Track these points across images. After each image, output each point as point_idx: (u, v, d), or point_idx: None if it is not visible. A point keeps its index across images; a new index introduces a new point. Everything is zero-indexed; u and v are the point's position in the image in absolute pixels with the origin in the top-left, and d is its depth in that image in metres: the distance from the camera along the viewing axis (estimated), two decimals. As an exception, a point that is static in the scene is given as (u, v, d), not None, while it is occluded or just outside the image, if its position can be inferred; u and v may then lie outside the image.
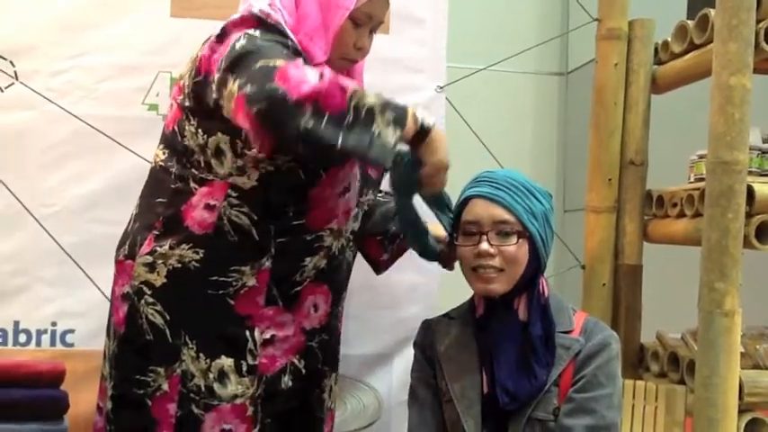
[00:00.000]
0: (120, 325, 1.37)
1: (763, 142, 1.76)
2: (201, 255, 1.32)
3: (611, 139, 1.89)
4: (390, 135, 1.18)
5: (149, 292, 1.34)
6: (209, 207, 1.32)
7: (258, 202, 1.32)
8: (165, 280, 1.33)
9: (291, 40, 1.30)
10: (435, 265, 1.84)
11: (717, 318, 1.51)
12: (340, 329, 1.51)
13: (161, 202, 1.37)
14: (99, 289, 1.72)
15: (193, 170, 1.34)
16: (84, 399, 1.66)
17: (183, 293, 1.33)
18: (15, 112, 1.70)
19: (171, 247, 1.33)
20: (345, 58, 1.38)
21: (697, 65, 1.76)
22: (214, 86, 1.26)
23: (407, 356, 1.53)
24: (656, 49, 1.92)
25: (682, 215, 1.77)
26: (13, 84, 1.70)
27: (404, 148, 1.22)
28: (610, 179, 1.89)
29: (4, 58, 1.70)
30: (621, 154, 1.90)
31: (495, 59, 2.12)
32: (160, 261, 1.33)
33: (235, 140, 1.29)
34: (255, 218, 1.32)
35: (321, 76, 1.18)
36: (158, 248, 1.34)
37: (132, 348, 1.35)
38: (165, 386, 1.33)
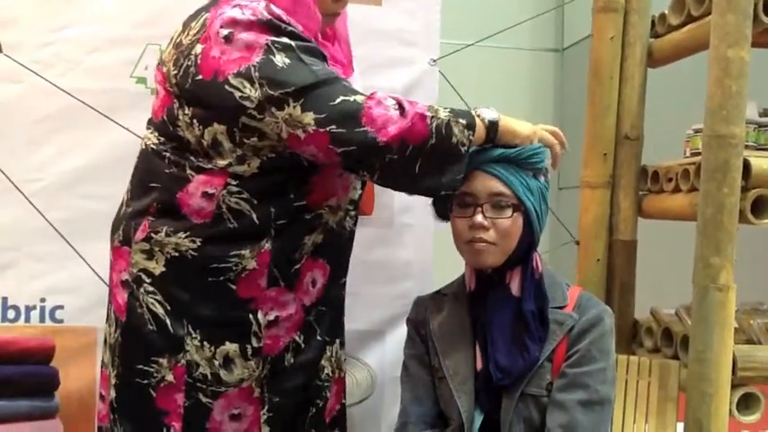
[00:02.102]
0: (121, 313, 1.35)
1: (760, 116, 1.75)
2: (199, 243, 1.29)
3: (607, 114, 1.87)
4: (466, 139, 1.26)
5: (148, 281, 1.31)
6: (207, 195, 1.29)
7: (259, 188, 1.29)
8: (163, 269, 1.30)
9: (309, 40, 1.29)
10: (430, 241, 1.83)
11: (711, 292, 1.51)
12: (343, 299, 1.49)
13: (154, 186, 1.33)
14: (88, 265, 1.71)
15: (191, 157, 1.30)
16: (75, 375, 1.66)
17: (182, 283, 1.30)
18: (0, 85, 1.67)
19: (167, 234, 1.30)
20: (326, 14, 1.36)
21: (694, 37, 1.73)
22: (242, 98, 1.23)
23: (401, 332, 1.52)
24: (652, 22, 1.89)
25: (677, 190, 1.76)
26: (-3, 56, 1.68)
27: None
28: (605, 154, 1.87)
29: (-12, 30, 1.67)
30: (617, 129, 1.88)
31: (490, 37, 2.10)
32: (157, 248, 1.31)
33: (232, 129, 1.26)
34: (255, 202, 1.30)
35: (400, 106, 1.24)
36: (154, 235, 1.31)
37: (134, 337, 1.33)
38: (170, 377, 1.31)
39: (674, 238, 2.08)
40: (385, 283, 1.82)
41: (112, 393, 1.36)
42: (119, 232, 1.37)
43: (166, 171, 1.31)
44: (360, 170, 1.27)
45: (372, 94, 1.25)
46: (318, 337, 1.41)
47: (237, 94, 1.23)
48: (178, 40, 1.32)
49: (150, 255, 1.31)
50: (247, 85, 1.22)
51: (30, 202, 1.69)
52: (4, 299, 1.69)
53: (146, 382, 1.32)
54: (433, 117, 1.25)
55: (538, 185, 1.33)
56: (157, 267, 1.30)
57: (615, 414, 1.61)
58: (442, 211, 1.39)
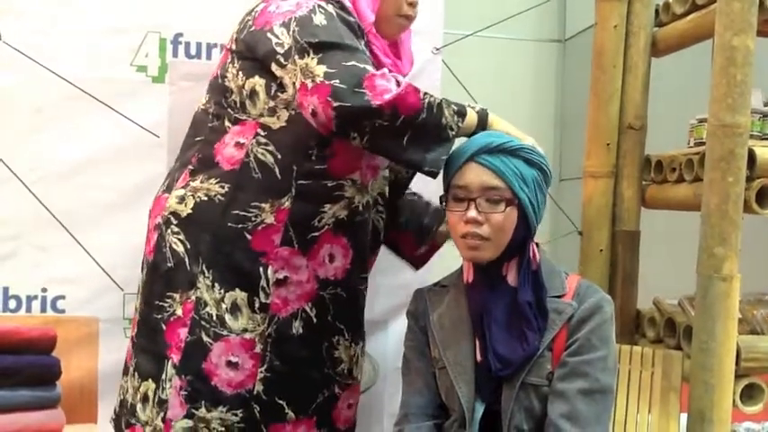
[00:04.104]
0: (150, 254, 1.44)
1: (765, 105, 1.73)
2: (227, 189, 1.38)
3: (610, 104, 1.86)
4: (454, 124, 1.34)
5: (175, 222, 1.41)
6: (238, 144, 1.39)
7: (284, 143, 1.38)
8: (190, 211, 1.39)
9: (353, 15, 1.39)
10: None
11: (715, 282, 1.50)
12: (363, 297, 1.52)
13: (199, 140, 1.45)
14: (90, 254, 1.71)
15: (229, 110, 1.41)
16: (76, 365, 1.66)
17: (205, 224, 1.39)
18: (0, 73, 1.66)
19: (202, 181, 1.40)
20: (401, 15, 1.47)
21: (699, 26, 1.72)
22: (276, 44, 1.35)
23: (403, 322, 1.52)
24: (656, 11, 1.88)
25: (681, 180, 1.75)
26: (-3, 44, 1.66)
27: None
28: (608, 144, 1.86)
29: (-12, 18, 1.66)
30: (620, 118, 1.87)
31: (491, 27, 2.10)
32: (190, 194, 1.40)
33: (270, 84, 1.37)
34: (279, 157, 1.38)
35: (398, 82, 1.31)
36: (191, 182, 1.41)
37: (156, 275, 1.42)
38: (179, 311, 1.38)
39: (676, 228, 2.08)
40: (387, 273, 1.82)
41: (134, 330, 1.46)
42: (165, 183, 1.48)
43: (209, 125, 1.43)
44: (351, 131, 1.30)
45: (381, 69, 1.34)
46: (330, 319, 1.43)
47: (275, 40, 1.35)
48: (251, 8, 1.44)
49: (182, 199, 1.41)
50: (284, 32, 1.34)
51: (30, 191, 1.68)
52: (6, 289, 1.69)
53: (159, 316, 1.40)
54: (426, 94, 1.32)
55: (533, 175, 1.32)
56: (185, 210, 1.40)
57: (618, 404, 1.61)
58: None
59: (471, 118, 1.37)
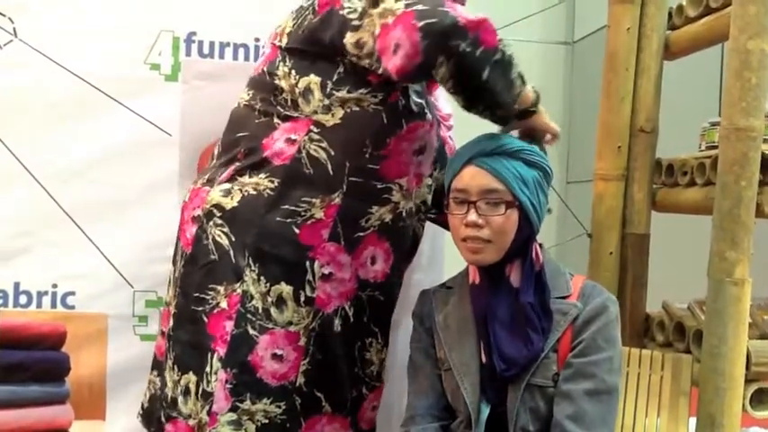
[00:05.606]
0: (188, 246, 1.43)
1: (779, 109, 1.73)
2: (276, 183, 1.37)
3: (622, 106, 1.85)
4: (519, 86, 1.32)
5: (218, 214, 1.39)
6: (289, 141, 1.38)
7: (338, 140, 1.37)
8: (236, 204, 1.38)
9: None
10: (443, 233, 1.82)
11: (726, 286, 1.49)
12: (396, 300, 1.53)
13: (243, 136, 1.43)
14: (100, 251, 1.71)
15: (278, 107, 1.40)
16: (85, 361, 1.67)
17: (252, 217, 1.38)
18: (14, 69, 1.67)
19: (250, 176, 1.39)
20: None
21: (712, 29, 1.72)
22: (349, 12, 1.34)
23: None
24: (669, 14, 1.87)
25: (692, 184, 1.74)
26: (12, 41, 1.67)
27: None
28: (619, 147, 1.85)
29: (3, 15, 1.67)
30: (631, 121, 1.86)
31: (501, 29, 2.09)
32: (237, 188, 1.39)
33: (325, 82, 1.37)
34: (333, 153, 1.37)
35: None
36: (238, 177, 1.40)
37: (196, 267, 1.41)
38: (224, 304, 1.37)
39: (686, 231, 2.07)
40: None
41: (171, 323, 1.44)
42: (204, 177, 1.46)
43: (255, 121, 1.41)
44: (438, 54, 1.26)
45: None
46: (365, 320, 1.44)
47: (346, 11, 1.35)
48: (308, 4, 1.44)
49: (228, 192, 1.39)
50: (355, 0, 1.33)
51: (43, 187, 1.69)
52: (17, 284, 1.70)
53: (201, 308, 1.38)
54: (500, 40, 1.30)
55: (534, 176, 1.32)
56: (231, 203, 1.39)
57: (627, 408, 1.61)
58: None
59: (530, 92, 1.36)
